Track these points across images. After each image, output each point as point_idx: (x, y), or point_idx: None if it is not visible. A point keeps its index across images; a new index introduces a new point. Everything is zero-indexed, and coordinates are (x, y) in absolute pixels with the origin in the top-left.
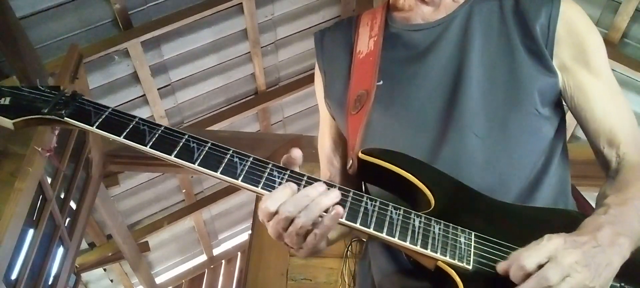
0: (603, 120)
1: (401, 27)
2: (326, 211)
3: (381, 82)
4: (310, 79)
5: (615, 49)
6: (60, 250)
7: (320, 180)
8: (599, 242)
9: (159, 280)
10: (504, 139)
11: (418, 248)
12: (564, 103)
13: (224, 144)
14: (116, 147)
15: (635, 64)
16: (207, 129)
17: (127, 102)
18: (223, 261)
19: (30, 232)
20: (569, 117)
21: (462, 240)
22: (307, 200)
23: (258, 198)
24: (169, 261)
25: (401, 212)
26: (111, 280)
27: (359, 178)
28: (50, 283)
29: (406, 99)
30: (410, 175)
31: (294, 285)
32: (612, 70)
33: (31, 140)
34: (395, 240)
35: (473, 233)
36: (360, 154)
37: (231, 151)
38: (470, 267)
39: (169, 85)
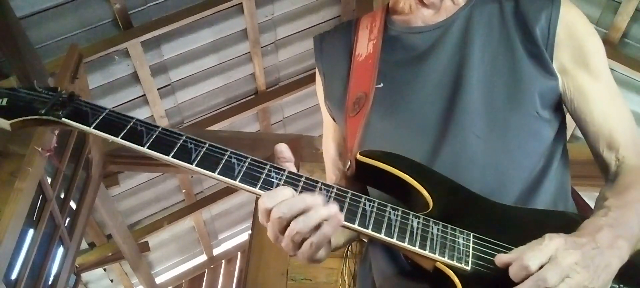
0: (602, 123)
1: (401, 30)
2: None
3: (381, 85)
4: (310, 79)
5: (615, 49)
6: (60, 250)
7: (318, 182)
8: (599, 243)
9: (159, 280)
10: (504, 140)
11: (416, 249)
12: (563, 106)
13: (224, 144)
14: (116, 147)
15: (635, 64)
16: (207, 128)
17: (127, 102)
18: (223, 261)
19: (30, 232)
20: (569, 117)
21: (461, 241)
22: (303, 205)
23: (258, 199)
24: (169, 261)
25: (399, 213)
26: (111, 280)
27: (357, 180)
28: (50, 283)
29: (405, 101)
30: (407, 176)
31: (294, 285)
32: (612, 70)
33: (31, 140)
34: (394, 240)
35: (471, 234)
36: (358, 156)
37: (229, 152)
38: (468, 268)
39: (169, 85)
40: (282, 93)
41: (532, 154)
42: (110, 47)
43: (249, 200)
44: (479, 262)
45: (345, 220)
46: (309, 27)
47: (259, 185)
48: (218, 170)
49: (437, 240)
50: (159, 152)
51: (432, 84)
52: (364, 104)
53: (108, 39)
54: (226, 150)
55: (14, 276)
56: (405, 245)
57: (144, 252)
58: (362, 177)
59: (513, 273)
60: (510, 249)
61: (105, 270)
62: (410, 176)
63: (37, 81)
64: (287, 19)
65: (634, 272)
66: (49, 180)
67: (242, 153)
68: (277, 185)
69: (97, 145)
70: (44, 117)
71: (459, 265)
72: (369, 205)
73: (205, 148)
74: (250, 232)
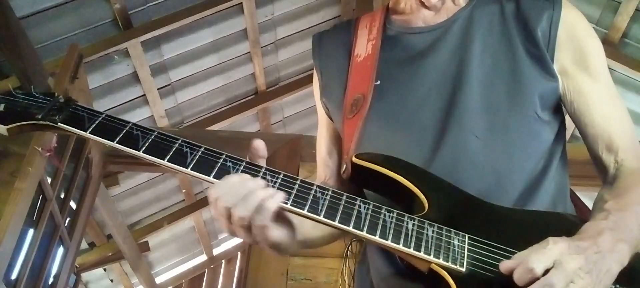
0: (602, 125)
1: (401, 30)
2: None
3: (379, 82)
4: (310, 79)
5: (615, 49)
6: (60, 250)
7: (313, 185)
8: (600, 248)
9: (159, 280)
10: (504, 141)
11: (411, 250)
12: (563, 108)
13: (224, 144)
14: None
15: (635, 64)
16: (207, 128)
17: (127, 102)
18: (223, 261)
19: (30, 232)
20: (568, 118)
21: (456, 242)
22: (245, 190)
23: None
24: (169, 261)
25: (394, 215)
26: (111, 280)
27: (353, 182)
28: (50, 283)
29: (403, 100)
30: (403, 179)
31: (294, 285)
32: (612, 70)
33: (31, 140)
34: (388, 242)
35: (467, 235)
36: (353, 158)
37: (224, 155)
38: (463, 270)
39: (169, 85)
40: (282, 93)
41: (531, 155)
42: (110, 47)
43: None
44: (474, 264)
45: (340, 223)
46: (309, 27)
47: None
48: (213, 173)
49: (431, 242)
50: (155, 156)
51: (431, 83)
52: (361, 106)
53: (108, 39)
54: (221, 154)
55: (14, 276)
56: (400, 247)
57: (144, 252)
58: (359, 180)
59: (517, 276)
60: (505, 251)
61: (105, 270)
62: (406, 178)
63: (37, 81)
64: (287, 19)
65: (632, 273)
66: (49, 180)
67: (237, 157)
68: (272, 188)
69: (97, 145)
70: (41, 122)
71: (453, 266)
72: (364, 207)
73: (200, 152)
74: None
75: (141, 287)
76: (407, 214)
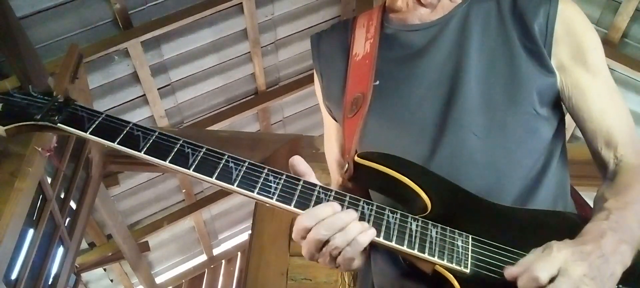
0: (600, 120)
1: (398, 28)
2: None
3: (377, 82)
4: (310, 79)
5: (615, 49)
6: (60, 250)
7: (316, 185)
8: (603, 251)
9: (159, 280)
10: (503, 139)
11: (415, 252)
12: (562, 104)
13: (224, 144)
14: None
15: (635, 64)
16: (207, 129)
17: (127, 102)
18: (223, 261)
19: (30, 232)
20: (568, 117)
21: (460, 243)
22: (341, 224)
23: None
24: (169, 261)
25: (398, 216)
26: (111, 280)
27: (355, 182)
28: (50, 283)
29: (402, 99)
30: (406, 178)
31: (294, 285)
32: (612, 70)
33: (31, 140)
34: (393, 244)
35: (470, 236)
36: (355, 158)
37: (226, 156)
38: (468, 271)
39: (169, 85)
40: (282, 93)
41: (531, 152)
42: (110, 47)
43: (248, 200)
44: (478, 265)
45: None
46: (309, 27)
47: (257, 190)
48: (216, 174)
49: (435, 243)
50: (156, 157)
51: (429, 81)
52: (361, 105)
53: (108, 39)
54: (224, 155)
55: (14, 276)
56: (404, 248)
57: (144, 252)
58: (360, 179)
59: (522, 284)
60: (509, 251)
61: (105, 270)
62: (408, 178)
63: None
64: (287, 19)
65: (635, 274)
66: (49, 180)
67: (240, 158)
68: (276, 188)
69: (97, 145)
70: (40, 123)
71: (458, 267)
72: (368, 208)
73: (202, 153)
74: (250, 232)
75: (141, 287)
76: (410, 215)
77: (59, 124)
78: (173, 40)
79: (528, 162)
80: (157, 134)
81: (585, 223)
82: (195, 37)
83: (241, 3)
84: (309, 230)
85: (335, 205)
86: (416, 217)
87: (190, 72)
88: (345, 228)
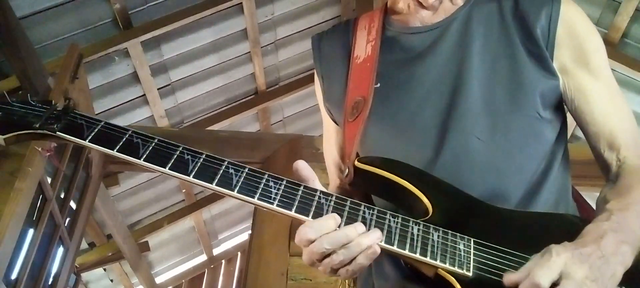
0: (603, 122)
1: (399, 30)
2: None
3: (378, 85)
4: (310, 79)
5: (615, 49)
6: (60, 250)
7: (317, 191)
8: (604, 252)
9: (159, 280)
10: (506, 142)
11: (417, 256)
12: (564, 106)
13: (224, 144)
14: None
15: (635, 64)
16: (207, 128)
17: (127, 102)
18: (223, 261)
19: (30, 232)
20: (568, 117)
21: (462, 246)
22: (346, 239)
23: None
24: (169, 261)
25: (399, 220)
26: (111, 280)
27: (355, 186)
28: (50, 283)
29: (403, 102)
30: (406, 182)
31: (294, 285)
32: (612, 70)
33: (30, 141)
34: (394, 248)
35: (472, 239)
36: (356, 162)
37: (226, 162)
38: (470, 274)
39: (169, 85)
40: (282, 93)
41: (534, 156)
42: (110, 47)
43: None
44: (480, 268)
45: None
46: (309, 27)
47: (257, 196)
48: (216, 181)
49: (437, 247)
50: (156, 164)
51: (431, 84)
52: (362, 109)
53: (108, 39)
54: (223, 161)
55: (14, 276)
56: (406, 252)
57: (144, 252)
58: (361, 184)
59: None
60: (511, 254)
61: (105, 270)
62: (409, 182)
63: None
64: (287, 19)
65: (636, 274)
66: (49, 180)
67: (239, 164)
68: (276, 194)
69: None
70: (39, 131)
71: (460, 271)
72: (369, 213)
73: (202, 159)
74: (250, 232)
75: (141, 287)
76: (412, 219)
77: (58, 133)
78: (173, 40)
79: (531, 165)
80: (156, 140)
81: (587, 225)
82: (195, 37)
83: (241, 3)
84: (312, 241)
85: (337, 218)
86: (418, 221)
87: (190, 72)
88: (349, 244)
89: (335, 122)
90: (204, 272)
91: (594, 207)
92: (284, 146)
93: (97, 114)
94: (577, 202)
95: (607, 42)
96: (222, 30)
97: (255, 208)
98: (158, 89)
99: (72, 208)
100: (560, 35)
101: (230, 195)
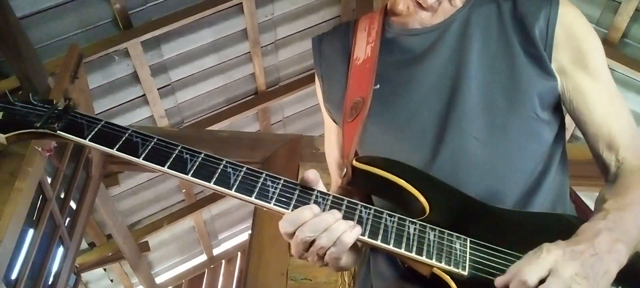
0: (602, 123)
1: (398, 32)
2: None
3: (378, 86)
4: (310, 79)
5: (615, 49)
6: (60, 250)
7: (314, 190)
8: (597, 249)
9: (159, 280)
10: (504, 143)
11: (413, 255)
12: (563, 107)
13: (224, 144)
14: None
15: (635, 64)
16: (207, 128)
17: (127, 102)
18: (223, 261)
19: (30, 232)
20: (568, 117)
21: (458, 246)
22: (325, 224)
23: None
24: (169, 261)
25: (396, 219)
26: (111, 280)
27: (353, 186)
28: (50, 283)
29: (402, 103)
30: (403, 182)
31: (294, 285)
32: (612, 70)
33: (31, 140)
34: (390, 247)
35: (468, 239)
36: (354, 162)
37: (224, 161)
38: (466, 273)
39: (169, 85)
40: (282, 93)
41: (531, 157)
42: (110, 47)
43: None
44: (477, 267)
45: None
46: (309, 27)
47: (255, 194)
48: (214, 179)
49: (433, 246)
50: (155, 163)
51: (429, 85)
52: (361, 109)
53: (108, 39)
54: (221, 160)
55: (14, 276)
56: (402, 251)
57: (144, 252)
58: (359, 183)
59: None
60: (507, 254)
61: (105, 270)
62: (407, 182)
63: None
64: (287, 19)
65: (631, 273)
66: (49, 180)
67: (237, 163)
68: (273, 193)
69: None
70: (40, 130)
71: (456, 270)
72: (366, 212)
73: (200, 158)
74: (250, 232)
75: (141, 287)
76: (408, 218)
77: (58, 132)
78: (173, 40)
79: (528, 166)
80: (155, 139)
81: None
82: (195, 37)
83: (241, 3)
84: (291, 234)
85: (315, 208)
86: (414, 220)
87: (190, 72)
88: (329, 228)
89: (335, 123)
90: (204, 272)
91: (593, 208)
92: (284, 146)
93: (97, 114)
94: (575, 204)
95: (607, 42)
96: (222, 30)
97: (255, 209)
98: (158, 89)
99: (72, 208)
100: (559, 36)
101: (228, 194)
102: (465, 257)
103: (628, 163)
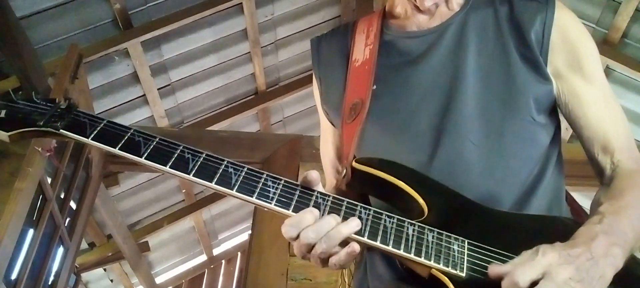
0: (597, 126)
1: (396, 34)
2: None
3: (375, 87)
4: (310, 79)
5: (615, 49)
6: (60, 250)
7: (314, 191)
8: (593, 253)
9: (159, 280)
10: (500, 146)
11: (412, 256)
12: (559, 110)
13: (224, 144)
14: None
15: (635, 64)
16: (207, 129)
17: (127, 102)
18: (223, 261)
19: (30, 232)
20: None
21: (456, 247)
22: (328, 227)
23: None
24: (169, 261)
25: (395, 220)
26: (111, 280)
27: (352, 187)
28: (50, 283)
29: (399, 105)
30: (403, 184)
31: (294, 285)
32: (612, 70)
33: (31, 140)
34: (389, 248)
35: (466, 241)
36: (353, 163)
37: (226, 161)
38: (464, 275)
39: (169, 85)
40: (282, 93)
41: (528, 160)
42: (110, 47)
43: None
44: (474, 269)
45: None
46: (309, 27)
47: (255, 194)
48: (215, 179)
49: (432, 247)
50: (157, 163)
51: (426, 88)
52: (360, 111)
53: (108, 39)
54: (223, 160)
55: (14, 276)
56: (401, 252)
57: (144, 252)
58: (358, 185)
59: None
60: (505, 256)
61: (105, 270)
62: (406, 183)
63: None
64: (287, 19)
65: (628, 277)
66: (49, 180)
67: (239, 163)
68: (274, 193)
69: None
70: (43, 129)
71: (454, 271)
72: (365, 213)
73: (202, 158)
74: (250, 232)
75: (141, 287)
76: (407, 219)
77: (61, 130)
78: (173, 40)
79: (525, 169)
80: (157, 139)
81: (580, 227)
82: (195, 37)
83: (241, 3)
84: (294, 237)
85: (315, 211)
86: (413, 221)
87: (190, 72)
88: (331, 232)
89: (333, 124)
90: (204, 272)
91: (588, 212)
92: (283, 146)
93: (97, 114)
94: (571, 207)
95: (607, 42)
96: (222, 30)
97: (255, 209)
98: (158, 89)
99: (72, 209)
100: (554, 40)
101: (229, 194)
102: (463, 258)
103: (623, 166)
